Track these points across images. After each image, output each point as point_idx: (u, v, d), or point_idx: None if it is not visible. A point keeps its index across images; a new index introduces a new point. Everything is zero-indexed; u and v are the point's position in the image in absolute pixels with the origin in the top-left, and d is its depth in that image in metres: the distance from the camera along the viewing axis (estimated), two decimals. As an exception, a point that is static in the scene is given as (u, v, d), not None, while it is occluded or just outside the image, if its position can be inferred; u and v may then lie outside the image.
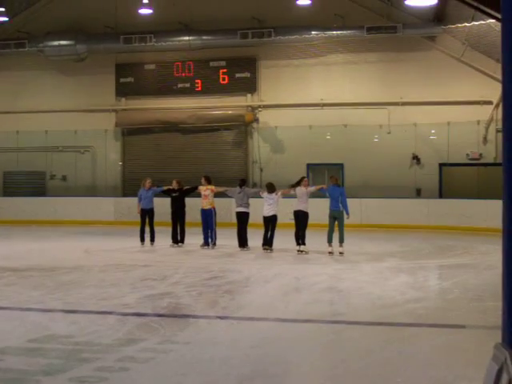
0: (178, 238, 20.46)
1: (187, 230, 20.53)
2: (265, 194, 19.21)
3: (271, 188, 19.23)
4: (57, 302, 10.98)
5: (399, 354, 7.92)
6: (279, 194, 19.13)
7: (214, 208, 19.98)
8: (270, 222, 18.89)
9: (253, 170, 30.47)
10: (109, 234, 25.17)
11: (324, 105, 29.72)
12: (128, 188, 31.28)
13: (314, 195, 19.65)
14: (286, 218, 21.01)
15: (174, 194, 20.72)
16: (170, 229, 20.67)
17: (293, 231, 18.59)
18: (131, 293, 12.02)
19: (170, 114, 31.00)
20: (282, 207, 20.30)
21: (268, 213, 18.93)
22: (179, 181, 21.07)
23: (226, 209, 25.63)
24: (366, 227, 26.14)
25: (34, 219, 29.61)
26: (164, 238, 20.82)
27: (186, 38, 29.96)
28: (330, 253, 17.92)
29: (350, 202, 18.62)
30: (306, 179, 19.48)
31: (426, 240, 22.54)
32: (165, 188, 21.07)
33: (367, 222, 26.65)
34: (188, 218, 20.92)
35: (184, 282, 13.21)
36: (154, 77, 31.56)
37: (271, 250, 18.75)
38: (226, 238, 20.34)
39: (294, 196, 18.89)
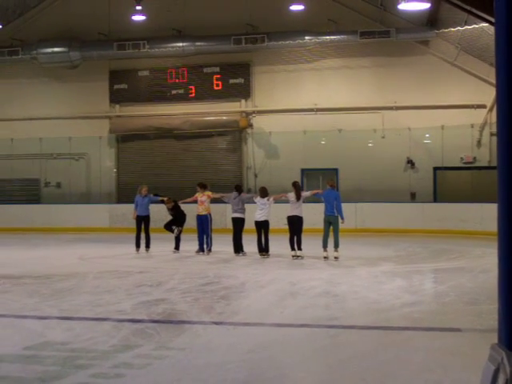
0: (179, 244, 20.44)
1: (182, 236, 20.49)
2: (257, 199, 19.21)
3: (264, 192, 19.23)
4: (52, 309, 10.96)
5: (395, 357, 7.91)
6: (271, 199, 19.12)
7: (210, 214, 19.98)
8: (262, 228, 18.88)
9: (247, 176, 30.48)
10: (104, 241, 25.13)
11: (318, 110, 29.76)
12: (122, 194, 31.29)
13: (308, 200, 19.65)
14: (279, 223, 21.02)
15: (170, 213, 20.79)
16: (165, 235, 20.68)
17: (287, 236, 18.57)
18: (126, 299, 12.00)
19: (164, 120, 31.01)
20: (276, 212, 20.32)
21: (259, 218, 18.92)
22: (169, 200, 20.90)
23: (221, 215, 25.62)
24: (360, 232, 26.16)
25: (28, 226, 29.59)
26: (159, 244, 20.79)
27: (180, 44, 29.97)
28: (325, 257, 17.92)
29: (344, 206, 18.62)
30: (298, 183, 19.47)
31: (421, 244, 22.55)
32: (160, 199, 21.08)
33: (362, 226, 26.67)
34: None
35: (179, 288, 13.19)
36: (147, 83, 31.58)
37: (268, 255, 18.75)
38: (221, 244, 20.33)
39: (287, 201, 18.85)
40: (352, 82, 29.58)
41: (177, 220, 20.66)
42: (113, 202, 31.42)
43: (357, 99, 29.39)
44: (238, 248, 19.26)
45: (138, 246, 20.59)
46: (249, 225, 19.50)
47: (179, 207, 20.78)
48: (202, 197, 19.95)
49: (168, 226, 20.77)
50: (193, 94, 31.05)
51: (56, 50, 30.86)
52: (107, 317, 10.27)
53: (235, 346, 8.46)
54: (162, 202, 21.02)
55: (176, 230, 20.35)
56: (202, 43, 29.89)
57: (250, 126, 30.41)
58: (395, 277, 14.79)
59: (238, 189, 19.99)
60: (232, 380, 7.00)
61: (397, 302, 11.49)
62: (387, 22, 28.52)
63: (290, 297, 12.54)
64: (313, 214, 20.89)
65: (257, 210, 19.06)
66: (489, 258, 17.71)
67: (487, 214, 23.80)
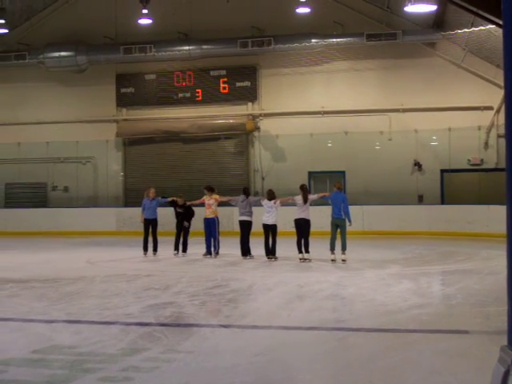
0: (179, 247, 20.39)
1: (190, 239, 20.50)
2: (264, 201, 19.20)
3: (271, 195, 19.23)
4: (60, 313, 10.97)
5: (403, 360, 7.90)
6: (278, 202, 19.08)
7: (217, 217, 19.97)
8: (270, 231, 18.87)
9: (254, 179, 30.49)
10: (111, 245, 25.15)
11: (325, 112, 29.75)
12: (130, 198, 31.34)
13: (315, 203, 19.62)
14: (287, 226, 20.95)
15: (179, 210, 20.69)
16: (172, 239, 20.66)
17: (294, 239, 18.54)
18: (134, 302, 12.01)
19: (171, 123, 31.04)
20: (283, 215, 20.30)
21: (267, 221, 18.91)
22: (182, 196, 20.93)
23: (228, 218, 25.62)
24: (368, 234, 26.13)
25: (35, 230, 29.63)
26: (167, 247, 20.79)
27: (186, 47, 30.00)
28: (332, 260, 17.90)
29: (351, 209, 18.61)
30: (305, 186, 19.36)
31: (429, 246, 22.51)
32: (169, 199, 21.04)
33: (369, 229, 26.65)
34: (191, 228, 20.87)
35: (187, 291, 13.19)
36: (154, 87, 31.62)
37: (275, 258, 18.74)
38: (229, 247, 20.33)
39: (294, 204, 18.80)
40: (359, 85, 29.56)
41: (185, 215, 20.52)
42: (120, 205, 31.46)
43: (363, 101, 29.38)
44: (246, 251, 19.25)
45: (145, 249, 20.61)
46: (256, 228, 19.51)
47: (186, 205, 20.68)
48: (210, 200, 19.94)
49: (179, 224, 20.60)
50: (199, 98, 31.07)
51: (63, 54, 30.92)
52: (115, 320, 10.27)
53: (243, 348, 8.45)
54: (172, 202, 20.90)
55: (186, 224, 20.22)
56: (209, 46, 29.92)
57: (257, 128, 30.42)
58: (403, 279, 14.77)
59: (246, 192, 19.98)
60: (240, 383, 7.00)
61: (404, 305, 11.48)
62: (394, 24, 28.51)
63: (297, 299, 12.54)
64: (320, 217, 20.88)
65: (264, 213, 19.07)
66: (496, 260, 17.68)
67: (494, 216, 23.76)
